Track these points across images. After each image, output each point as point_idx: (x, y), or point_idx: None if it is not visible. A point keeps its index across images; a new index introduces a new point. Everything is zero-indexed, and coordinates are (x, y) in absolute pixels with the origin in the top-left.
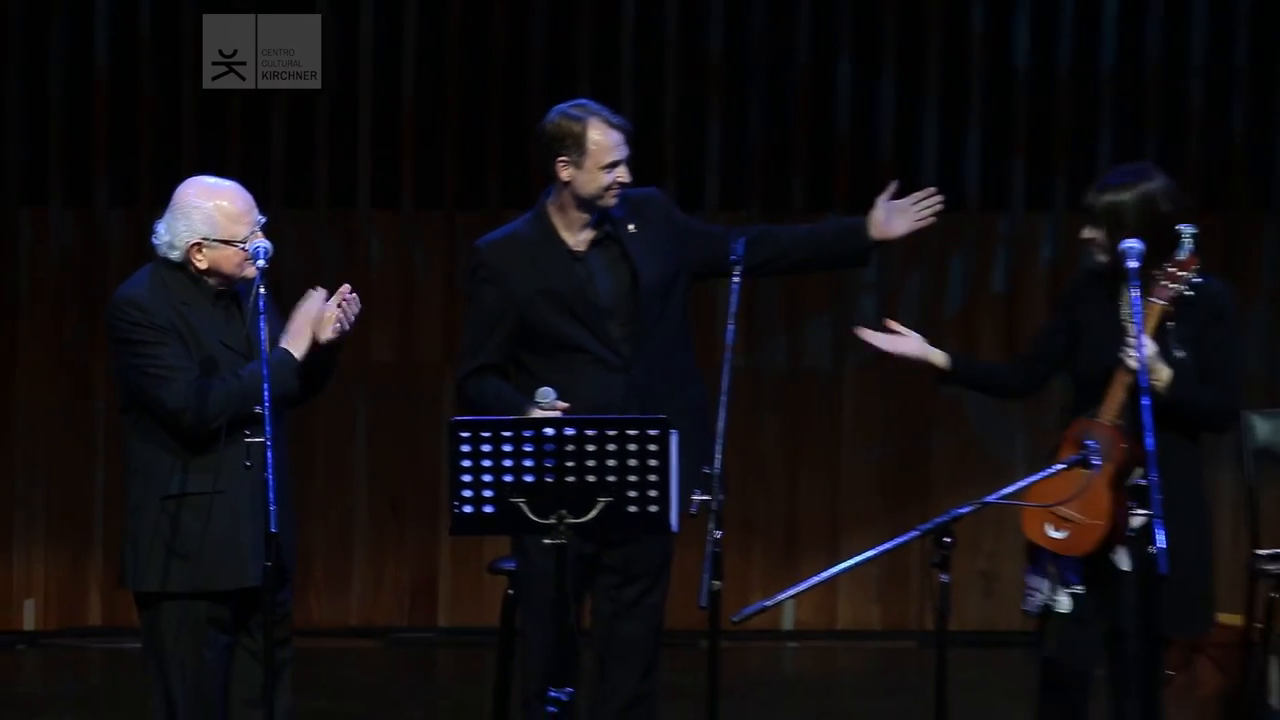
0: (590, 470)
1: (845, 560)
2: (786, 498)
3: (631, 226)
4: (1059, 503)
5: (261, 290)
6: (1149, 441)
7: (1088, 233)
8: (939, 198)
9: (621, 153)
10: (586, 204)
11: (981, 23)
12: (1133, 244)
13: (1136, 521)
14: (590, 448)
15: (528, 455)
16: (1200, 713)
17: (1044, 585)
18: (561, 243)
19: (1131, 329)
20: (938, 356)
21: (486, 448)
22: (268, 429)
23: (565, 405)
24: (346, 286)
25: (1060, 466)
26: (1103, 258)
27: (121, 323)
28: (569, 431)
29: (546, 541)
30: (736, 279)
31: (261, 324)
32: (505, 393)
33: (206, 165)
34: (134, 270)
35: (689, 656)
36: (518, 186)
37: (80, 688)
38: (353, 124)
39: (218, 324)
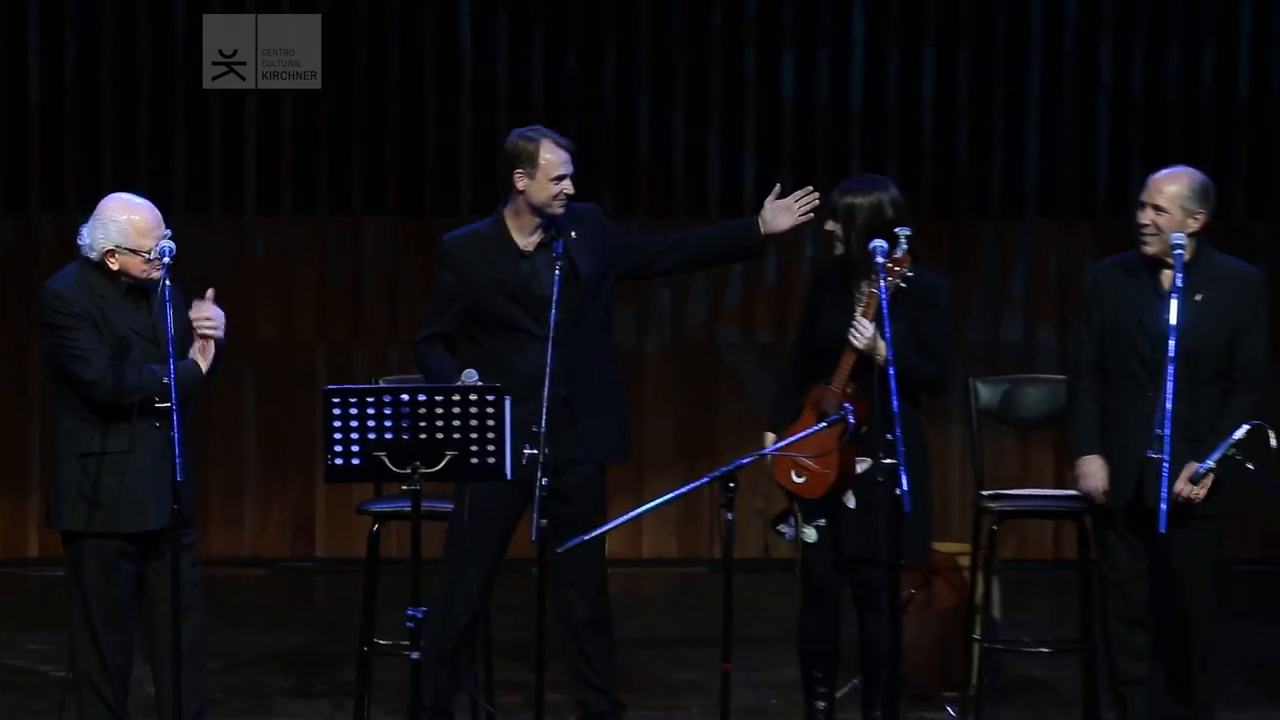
0: (439, 429)
1: (649, 502)
2: None
3: (574, 233)
4: (818, 455)
5: (167, 283)
6: (894, 404)
7: (829, 226)
8: (815, 196)
9: (568, 169)
10: (538, 210)
11: (754, 66)
12: (879, 243)
13: (861, 469)
14: (439, 411)
15: (388, 417)
16: (938, 623)
17: (793, 521)
18: (513, 243)
19: (857, 312)
20: None
21: (354, 410)
22: (174, 394)
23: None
24: (211, 292)
25: (822, 425)
26: (840, 249)
27: (47, 310)
28: (421, 398)
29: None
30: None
31: (168, 310)
32: (445, 362)
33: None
34: (60, 267)
35: (523, 582)
36: (377, 195)
37: (19, 607)
38: (239, 140)
39: (128, 313)
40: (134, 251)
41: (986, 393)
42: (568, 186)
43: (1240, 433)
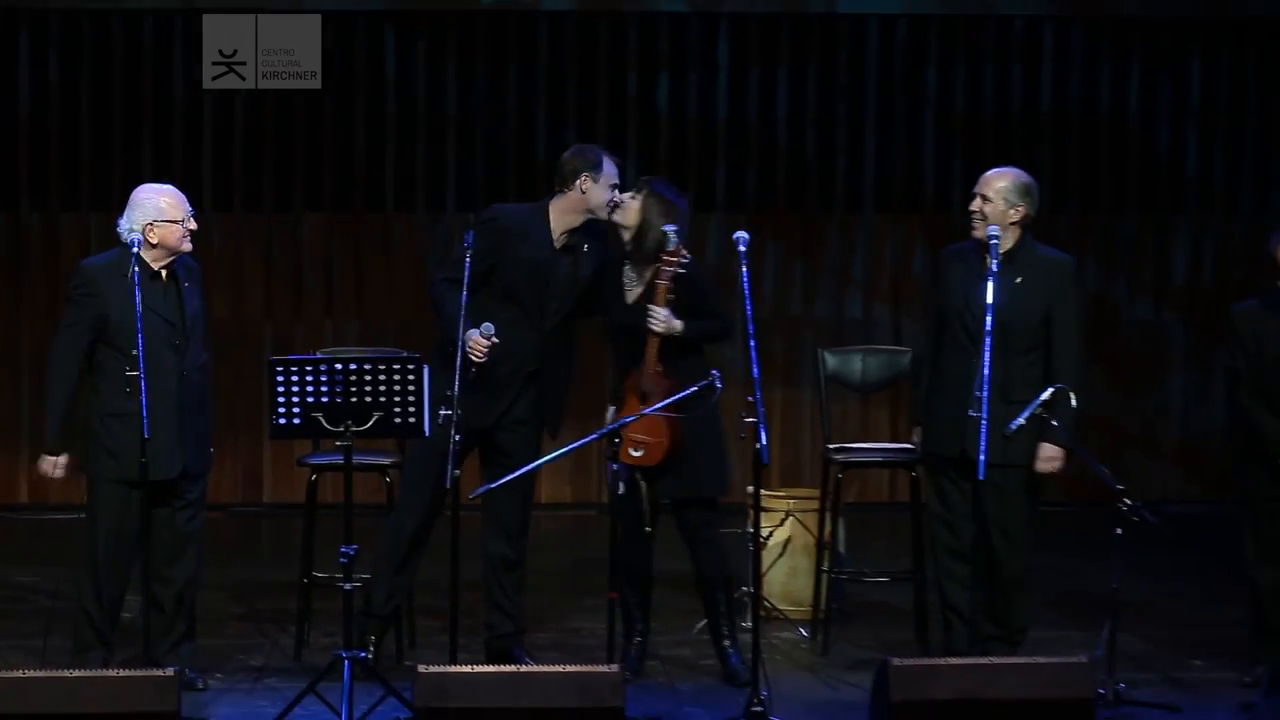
0: (368, 394)
1: (547, 455)
2: None
3: (586, 247)
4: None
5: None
6: (755, 371)
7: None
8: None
9: (619, 181)
10: (590, 210)
11: (635, 86)
12: (741, 234)
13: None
14: (368, 378)
15: (324, 384)
16: (793, 562)
17: (615, 480)
18: (549, 232)
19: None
20: None
21: (295, 378)
22: (141, 367)
23: (493, 342)
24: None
25: (692, 390)
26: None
27: (73, 281)
28: (353, 367)
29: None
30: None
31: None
32: (456, 305)
33: (97, 177)
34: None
35: (441, 521)
36: (315, 195)
37: (10, 547)
38: (197, 143)
39: (153, 295)
40: (170, 222)
41: (833, 361)
42: (619, 195)
43: (1046, 395)
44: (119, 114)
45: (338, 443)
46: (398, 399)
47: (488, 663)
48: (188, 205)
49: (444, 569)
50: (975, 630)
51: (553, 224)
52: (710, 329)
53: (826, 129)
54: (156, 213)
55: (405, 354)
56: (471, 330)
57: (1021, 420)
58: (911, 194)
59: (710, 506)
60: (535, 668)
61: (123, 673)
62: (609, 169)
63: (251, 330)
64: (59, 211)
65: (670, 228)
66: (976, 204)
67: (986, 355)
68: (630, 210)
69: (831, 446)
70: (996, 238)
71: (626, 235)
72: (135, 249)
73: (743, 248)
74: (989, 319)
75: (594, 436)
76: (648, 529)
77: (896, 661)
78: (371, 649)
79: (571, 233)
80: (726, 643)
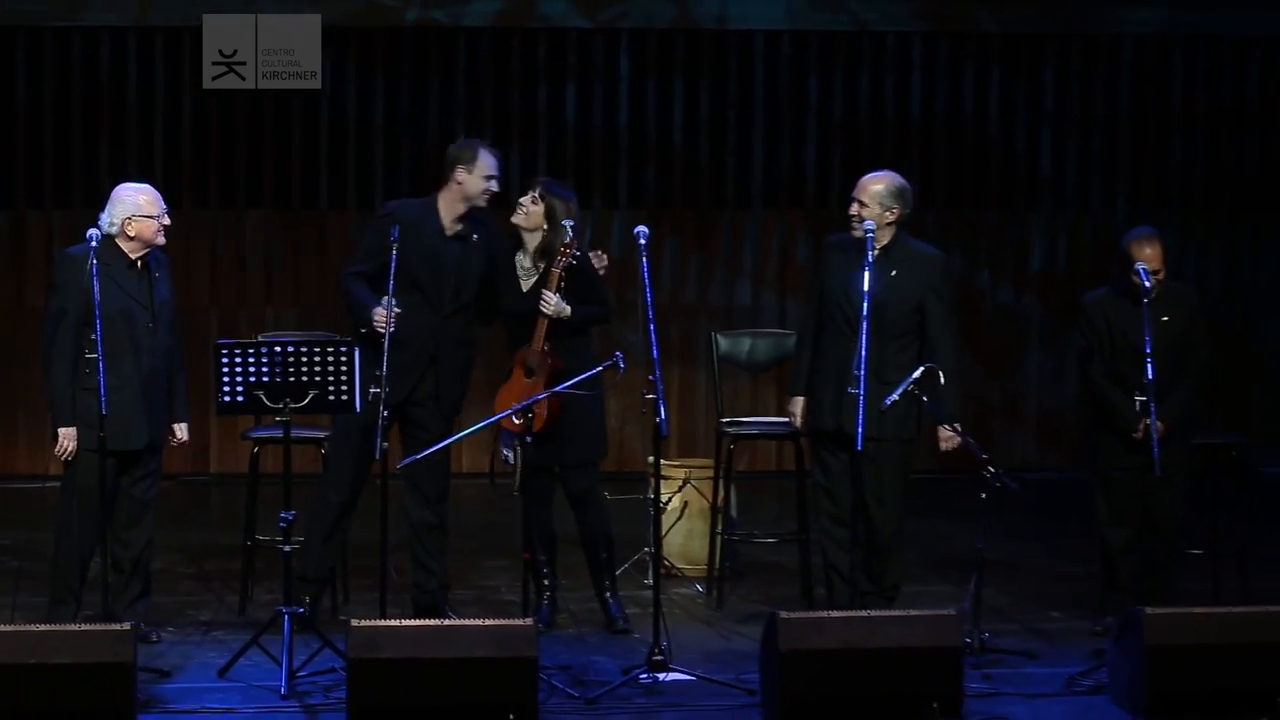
0: (304, 374)
1: (468, 429)
2: None
3: (475, 235)
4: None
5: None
6: (654, 352)
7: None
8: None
9: (497, 172)
10: (467, 200)
11: (545, 98)
12: (642, 229)
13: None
14: (304, 360)
15: (265, 365)
16: (690, 525)
17: (504, 449)
18: (440, 221)
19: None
20: None
21: (238, 359)
22: (100, 349)
23: (396, 312)
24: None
25: (608, 364)
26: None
27: (57, 268)
28: (290, 350)
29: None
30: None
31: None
32: (364, 293)
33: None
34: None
35: (371, 489)
36: (256, 193)
37: (10, 512)
38: (149, 145)
39: (128, 282)
40: (147, 217)
41: (725, 343)
42: (494, 185)
43: (917, 373)
44: (78, 121)
45: (277, 418)
46: (331, 378)
47: (415, 617)
48: (163, 203)
49: (374, 533)
50: (854, 587)
51: (442, 214)
52: (593, 314)
53: (718, 133)
54: (135, 208)
55: (338, 338)
56: (375, 307)
57: (895, 397)
58: (795, 192)
59: (591, 473)
60: (457, 621)
61: (84, 627)
62: (485, 160)
63: (199, 317)
64: (24, 209)
65: (568, 222)
66: (855, 208)
67: (864, 339)
68: (534, 214)
69: (724, 420)
70: (873, 232)
71: (531, 238)
72: (93, 242)
73: (643, 241)
74: (865, 306)
75: (509, 412)
76: (515, 493)
77: (784, 614)
78: (307, 607)
79: (458, 220)
80: (608, 595)
